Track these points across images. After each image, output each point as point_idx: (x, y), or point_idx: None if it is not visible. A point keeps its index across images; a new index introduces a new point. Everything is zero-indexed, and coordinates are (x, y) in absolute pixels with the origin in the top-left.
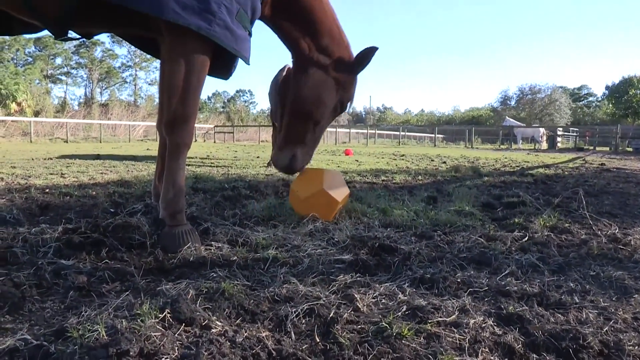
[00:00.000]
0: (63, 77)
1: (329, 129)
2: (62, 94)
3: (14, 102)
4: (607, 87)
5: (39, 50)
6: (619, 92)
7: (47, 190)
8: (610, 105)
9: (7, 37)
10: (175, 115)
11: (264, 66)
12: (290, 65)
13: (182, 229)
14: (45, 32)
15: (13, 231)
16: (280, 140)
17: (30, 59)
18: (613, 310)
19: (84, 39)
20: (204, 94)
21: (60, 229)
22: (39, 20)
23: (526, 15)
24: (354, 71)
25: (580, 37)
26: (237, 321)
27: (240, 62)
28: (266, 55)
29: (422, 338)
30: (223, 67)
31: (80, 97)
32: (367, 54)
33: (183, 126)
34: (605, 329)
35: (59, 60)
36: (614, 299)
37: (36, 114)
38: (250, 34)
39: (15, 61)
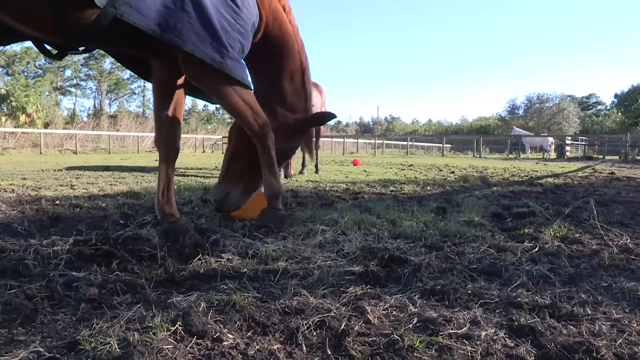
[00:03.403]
0: (72, 89)
1: (336, 139)
2: (72, 105)
3: (24, 114)
4: (616, 96)
5: (48, 63)
6: (628, 100)
7: (58, 201)
8: (620, 113)
9: (18, 50)
10: (258, 124)
11: None
12: None
13: (284, 212)
14: None
15: (24, 243)
16: (220, 175)
17: (41, 72)
18: (627, 322)
19: (85, 52)
20: (212, 105)
21: (71, 240)
22: (60, 39)
23: (534, 24)
24: (301, 128)
25: (589, 45)
26: (249, 333)
27: None
28: None
29: (433, 350)
30: None
31: (89, 108)
32: (322, 119)
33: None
34: (619, 342)
35: (68, 73)
36: (627, 310)
37: (46, 125)
38: None
39: (25, 74)
